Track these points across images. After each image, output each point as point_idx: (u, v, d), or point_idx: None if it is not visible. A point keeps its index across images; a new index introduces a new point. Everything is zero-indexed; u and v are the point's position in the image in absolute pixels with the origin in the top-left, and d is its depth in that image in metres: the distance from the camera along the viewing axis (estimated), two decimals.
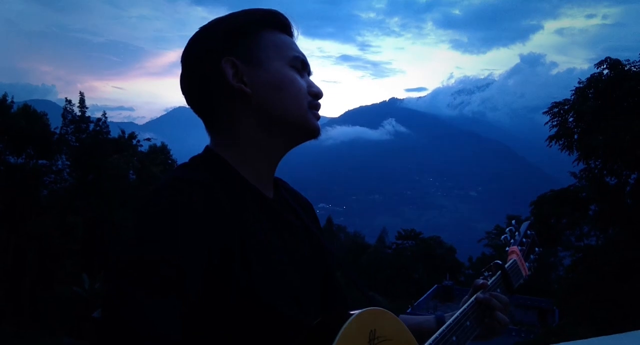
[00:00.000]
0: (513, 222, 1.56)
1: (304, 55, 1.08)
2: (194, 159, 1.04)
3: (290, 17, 1.10)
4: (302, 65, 1.07)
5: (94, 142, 26.25)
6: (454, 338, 1.09)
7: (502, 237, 1.52)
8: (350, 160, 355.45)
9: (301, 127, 1.05)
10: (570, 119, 17.55)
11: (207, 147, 1.06)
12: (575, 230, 19.04)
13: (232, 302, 0.83)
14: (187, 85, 1.05)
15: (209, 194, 0.87)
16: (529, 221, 1.62)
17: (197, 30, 1.06)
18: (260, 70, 1.01)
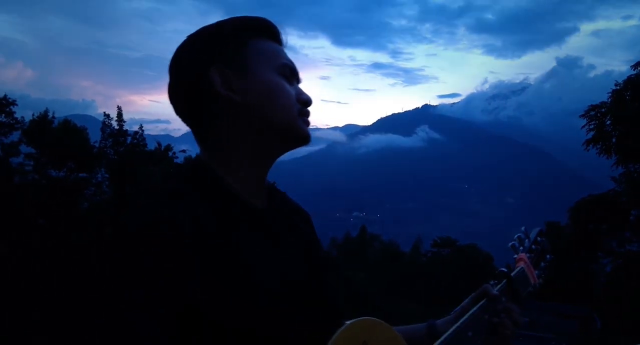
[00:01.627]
0: (522, 228, 1.50)
1: (292, 63, 1.07)
2: (181, 167, 1.03)
3: (279, 25, 1.09)
4: (291, 73, 1.06)
5: (131, 155, 26.88)
6: None
7: (510, 244, 1.46)
8: (383, 168, 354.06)
9: (291, 134, 1.03)
10: (608, 122, 17.15)
11: (197, 155, 1.05)
12: (616, 236, 18.56)
13: (213, 322, 0.83)
14: (175, 94, 1.04)
15: (191, 207, 0.88)
16: (539, 228, 1.57)
17: (185, 38, 1.05)
18: (248, 78, 1.00)
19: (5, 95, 28.24)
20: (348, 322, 0.87)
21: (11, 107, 28.44)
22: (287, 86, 1.03)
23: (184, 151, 32.43)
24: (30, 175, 25.53)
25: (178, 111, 1.05)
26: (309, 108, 1.07)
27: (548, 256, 1.54)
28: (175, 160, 30.88)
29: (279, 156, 1.08)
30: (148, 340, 0.78)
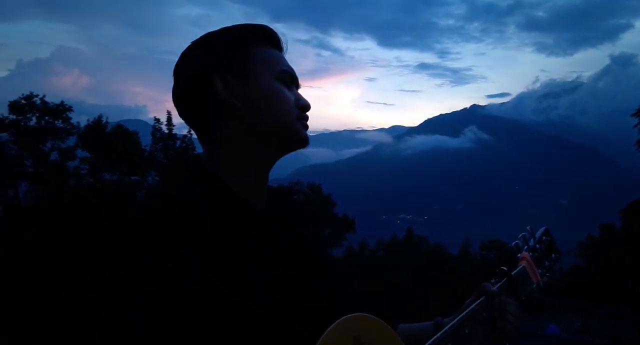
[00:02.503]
0: (528, 227, 1.51)
1: (292, 69, 1.10)
2: (183, 169, 1.08)
3: (279, 32, 1.13)
4: (290, 79, 1.09)
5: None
6: None
7: (513, 243, 1.47)
8: (430, 169, 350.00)
9: (289, 137, 1.07)
10: None
11: (199, 157, 1.09)
12: None
13: (213, 315, 0.84)
14: (179, 98, 1.08)
15: (190, 208, 0.91)
16: (545, 227, 1.57)
17: (189, 44, 1.09)
18: (249, 84, 1.04)
19: (62, 102, 29.47)
20: (340, 319, 0.88)
21: (67, 113, 29.65)
22: (286, 91, 1.07)
23: None
24: (85, 179, 26.56)
25: (181, 114, 1.09)
26: (307, 113, 1.11)
27: (553, 255, 1.54)
28: None
29: (278, 158, 1.11)
30: (146, 340, 0.79)
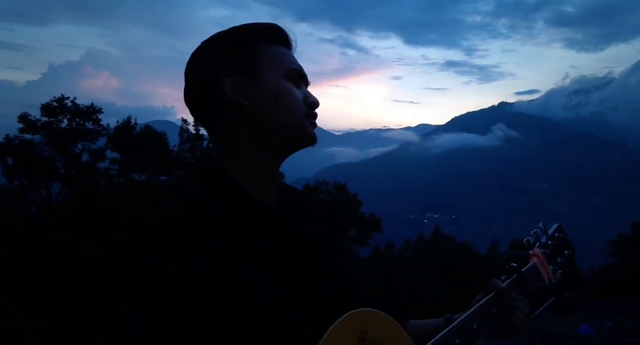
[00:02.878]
0: (540, 224, 1.51)
1: (300, 67, 1.10)
2: (194, 168, 1.09)
3: (288, 30, 1.13)
4: (298, 77, 1.09)
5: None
6: (457, 341, 1.06)
7: (525, 240, 1.47)
8: (458, 168, 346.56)
9: (297, 135, 1.07)
10: None
11: (210, 156, 1.10)
12: None
13: (214, 315, 0.85)
14: (189, 98, 1.09)
15: (198, 208, 0.91)
16: (558, 224, 1.57)
17: (199, 44, 1.10)
18: (256, 83, 1.04)
19: (92, 104, 30.04)
20: (346, 314, 0.88)
21: (97, 114, 30.24)
22: (294, 89, 1.07)
23: None
24: (115, 179, 27.03)
25: (193, 114, 1.11)
26: (316, 110, 1.11)
27: (566, 252, 1.53)
28: None
29: (287, 156, 1.12)
30: (146, 340, 0.80)
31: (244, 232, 0.96)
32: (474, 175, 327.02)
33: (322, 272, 1.09)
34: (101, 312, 0.81)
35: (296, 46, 1.15)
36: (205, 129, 1.10)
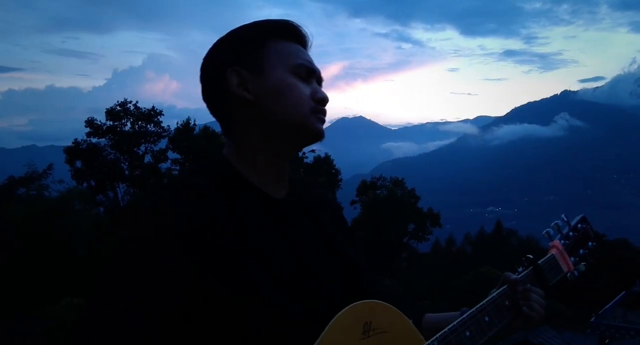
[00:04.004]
0: (562, 215, 1.45)
1: (310, 63, 1.10)
2: (204, 162, 1.09)
3: (304, 26, 1.12)
4: (307, 73, 1.08)
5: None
6: (467, 333, 1.05)
7: (544, 231, 1.42)
8: (520, 159, 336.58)
9: (303, 131, 1.06)
10: None
11: (221, 150, 1.11)
12: None
13: (215, 315, 0.85)
14: (204, 95, 1.10)
15: (201, 204, 0.91)
16: (582, 215, 1.50)
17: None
18: (262, 78, 1.04)
19: (153, 107, 31.11)
20: (349, 305, 0.88)
21: (159, 117, 31.23)
22: (299, 85, 1.06)
23: (313, 151, 33.50)
24: None
25: (210, 110, 1.12)
26: (325, 106, 1.10)
27: (590, 243, 1.47)
28: (304, 161, 31.95)
29: (295, 151, 1.12)
30: (145, 340, 0.80)
31: (251, 226, 0.96)
32: (536, 167, 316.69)
33: (332, 266, 1.08)
34: (100, 312, 0.81)
35: (311, 43, 1.14)
36: (220, 125, 1.11)
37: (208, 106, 1.11)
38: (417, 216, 36.23)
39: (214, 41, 1.11)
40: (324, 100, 1.09)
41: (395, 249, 35.27)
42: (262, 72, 1.05)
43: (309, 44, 1.14)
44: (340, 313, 0.86)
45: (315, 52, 1.13)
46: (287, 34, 1.10)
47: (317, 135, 1.08)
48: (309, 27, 1.11)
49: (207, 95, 1.10)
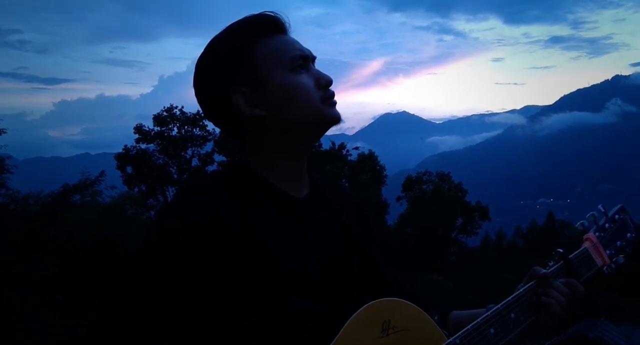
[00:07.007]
0: (599, 206, 1.37)
1: (301, 50, 1.07)
2: (224, 165, 1.12)
3: (279, 13, 1.08)
4: (303, 61, 1.06)
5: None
6: (491, 330, 1.02)
7: (578, 223, 1.35)
8: (571, 149, 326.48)
9: (320, 122, 1.06)
10: None
11: (240, 157, 1.12)
12: None
13: (242, 301, 0.87)
14: (209, 116, 1.10)
15: (216, 202, 0.93)
16: (620, 205, 1.41)
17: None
18: (266, 89, 1.03)
19: (199, 111, 31.63)
20: (367, 304, 0.88)
21: (204, 121, 31.78)
22: (303, 80, 1.05)
23: (356, 148, 33.42)
24: None
25: (208, 118, 1.12)
26: (332, 88, 1.08)
27: (629, 235, 1.40)
28: (349, 158, 31.92)
29: (315, 143, 1.13)
30: (173, 333, 0.85)
31: (270, 221, 0.97)
32: (588, 156, 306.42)
33: (352, 263, 1.08)
34: (134, 309, 0.90)
35: (290, 26, 1.11)
36: (230, 135, 1.11)
37: (215, 123, 1.11)
38: (465, 210, 35.66)
39: (197, 57, 1.09)
40: (329, 83, 1.07)
41: (443, 244, 34.84)
42: (262, 82, 1.03)
43: (288, 27, 1.10)
44: (358, 312, 0.86)
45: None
46: (266, 30, 1.07)
47: (334, 121, 1.08)
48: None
49: (214, 117, 1.09)
